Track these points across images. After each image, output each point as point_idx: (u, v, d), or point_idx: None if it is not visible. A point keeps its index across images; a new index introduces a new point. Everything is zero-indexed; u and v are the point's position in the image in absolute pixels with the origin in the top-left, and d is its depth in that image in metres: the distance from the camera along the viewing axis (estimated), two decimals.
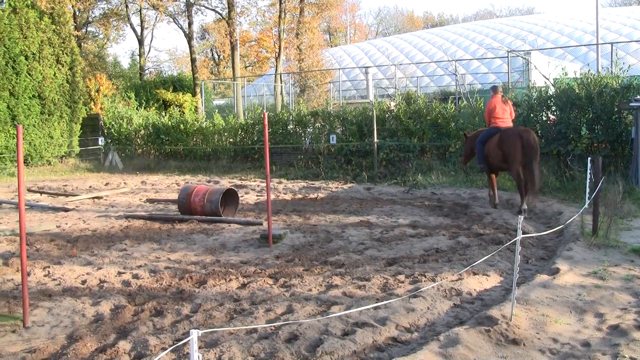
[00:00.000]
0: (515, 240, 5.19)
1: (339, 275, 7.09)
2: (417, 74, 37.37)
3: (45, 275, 7.59)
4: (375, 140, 18.48)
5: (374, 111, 18.78)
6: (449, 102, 20.01)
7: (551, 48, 32.98)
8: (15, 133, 22.75)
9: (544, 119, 15.82)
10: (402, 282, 6.76)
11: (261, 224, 10.89)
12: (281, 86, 37.27)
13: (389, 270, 7.30)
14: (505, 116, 12.06)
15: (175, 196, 14.66)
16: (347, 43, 65.86)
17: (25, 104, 23.69)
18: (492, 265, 7.34)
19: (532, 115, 15.76)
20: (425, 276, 6.90)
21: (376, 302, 5.89)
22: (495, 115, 12.00)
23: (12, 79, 23.08)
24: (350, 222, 11.06)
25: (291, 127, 21.96)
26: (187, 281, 7.12)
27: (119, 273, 7.63)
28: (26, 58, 23.80)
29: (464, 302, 6.08)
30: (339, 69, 38.78)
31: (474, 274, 6.93)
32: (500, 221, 10.68)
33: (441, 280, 6.67)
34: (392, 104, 20.49)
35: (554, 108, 15.66)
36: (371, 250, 8.59)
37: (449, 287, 6.43)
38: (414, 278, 6.88)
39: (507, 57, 23.18)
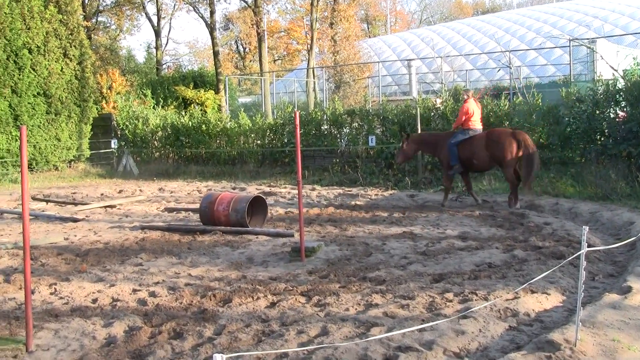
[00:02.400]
0: (580, 254, 5.11)
1: (380, 293, 7.06)
2: (465, 67, 37.18)
3: (51, 293, 7.64)
4: None
5: (418, 109, 18.70)
6: (502, 98, 19.84)
7: (620, 35, 32.49)
8: (18, 135, 23.12)
9: (612, 116, 15.61)
10: (451, 301, 6.71)
11: (292, 236, 10.91)
12: (314, 82, 37.35)
13: (436, 287, 7.25)
14: (478, 118, 14.10)
15: (196, 205, 14.77)
16: (387, 33, 65.82)
17: (29, 103, 23.86)
18: (553, 282, 7.24)
19: (597, 112, 15.57)
20: (476, 294, 6.83)
21: (421, 324, 5.84)
22: (471, 118, 13.91)
23: (14, 75, 23.26)
24: (391, 234, 11.02)
25: (325, 127, 21.99)
26: (210, 299, 7.15)
27: (134, 290, 7.68)
28: (30, 51, 23.98)
29: (521, 324, 6.01)
30: (378, 62, 38.73)
31: (532, 292, 6.84)
32: (562, 232, 10.54)
33: (495, 299, 6.60)
34: (438, 100, 20.41)
35: (623, 104, 15.44)
36: (415, 265, 8.54)
37: (504, 306, 6.36)
38: (464, 296, 6.82)
39: (569, 46, 22.94)
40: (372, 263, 8.77)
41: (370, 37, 60.23)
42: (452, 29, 48.82)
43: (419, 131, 18.33)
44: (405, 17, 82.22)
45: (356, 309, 6.60)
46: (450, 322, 5.86)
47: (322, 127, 21.93)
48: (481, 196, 15.20)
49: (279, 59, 70.60)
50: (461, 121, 13.96)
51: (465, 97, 14.30)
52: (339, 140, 21.62)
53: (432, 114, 19.47)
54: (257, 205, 12.28)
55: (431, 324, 5.69)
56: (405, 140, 14.67)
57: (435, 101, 20.56)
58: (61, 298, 7.41)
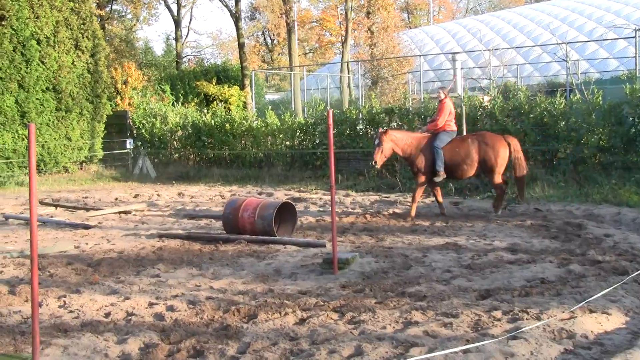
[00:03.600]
0: None
1: (420, 310, 7.05)
2: (516, 61, 36.93)
3: (60, 307, 7.71)
4: None
5: (463, 107, 18.63)
6: (558, 95, 19.69)
7: None
8: (26, 133, 23.39)
9: None
10: (499, 319, 6.68)
11: (324, 246, 10.93)
12: (348, 77, 37.41)
13: (482, 304, 7.21)
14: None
15: (219, 211, 14.85)
16: (429, 23, 65.66)
17: (37, 99, 24.08)
18: (615, 301, 7.17)
19: None
20: (527, 313, 6.79)
21: (466, 344, 5.82)
22: (451, 118, 14.25)
23: (21, 68, 23.49)
24: (433, 245, 10.99)
25: (361, 127, 21.99)
26: (234, 315, 7.19)
27: (151, 304, 7.73)
28: (38, 42, 24.21)
29: (578, 346, 5.96)
30: (420, 55, 38.59)
31: (591, 311, 6.78)
32: (625, 245, 10.43)
33: (548, 318, 6.55)
34: (486, 98, 20.29)
35: None
36: (459, 279, 8.51)
37: (559, 327, 6.31)
38: (514, 315, 6.78)
39: (635, 37, 22.67)
40: (411, 277, 8.75)
41: (410, 28, 60.19)
42: (502, 18, 48.56)
43: (464, 132, 18.25)
44: (450, 6, 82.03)
45: (394, 327, 6.59)
46: (498, 343, 5.83)
47: (357, 127, 21.92)
48: (533, 204, 15.11)
49: (310, 52, 70.81)
50: (444, 121, 14.09)
51: (443, 95, 14.40)
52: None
53: (479, 113, 19.38)
54: (286, 213, 12.31)
55: (477, 344, 5.66)
56: (384, 135, 14.17)
57: (483, 99, 20.44)
58: (71, 312, 7.49)
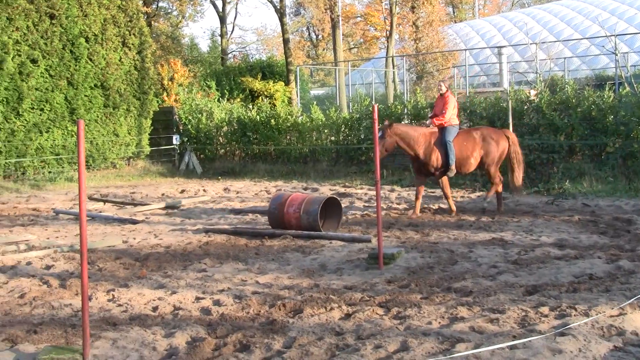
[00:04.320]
0: None
1: (466, 306, 7.02)
2: (564, 54, 36.47)
3: (109, 300, 7.81)
4: None
5: (509, 102, 18.46)
6: (606, 89, 19.41)
7: None
8: (75, 130, 23.71)
9: None
10: (546, 315, 6.62)
11: (369, 241, 10.93)
12: (393, 72, 37.27)
13: (529, 300, 7.16)
14: None
15: (264, 206, 14.92)
16: (475, 17, 65.10)
17: (85, 95, 24.33)
18: None
19: None
20: (575, 309, 6.72)
21: (512, 340, 5.79)
22: (456, 112, 14.14)
23: (70, 66, 23.76)
24: (479, 240, 10.93)
25: (406, 122, 21.91)
26: (279, 309, 7.22)
27: (197, 299, 7.81)
28: (87, 40, 24.45)
29: (628, 344, 5.87)
30: (465, 49, 38.39)
31: None
32: None
33: (597, 315, 6.47)
34: (532, 92, 20.12)
35: None
36: (506, 275, 8.45)
37: (608, 324, 6.23)
38: (561, 311, 6.72)
39: None
40: (457, 272, 8.72)
41: (456, 22, 59.75)
42: (549, 11, 47.94)
43: (511, 127, 18.10)
44: (496, 0, 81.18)
45: (440, 322, 6.57)
46: (545, 340, 5.78)
47: (402, 122, 21.85)
48: (580, 200, 14.94)
49: (354, 47, 70.70)
50: (450, 115, 13.92)
51: (445, 88, 14.33)
52: None
53: (526, 107, 19.20)
54: (331, 208, 12.32)
55: (524, 340, 5.62)
56: (389, 128, 13.76)
57: (529, 93, 20.25)
58: (119, 305, 7.59)
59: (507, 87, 24.95)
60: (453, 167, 13.68)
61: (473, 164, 13.96)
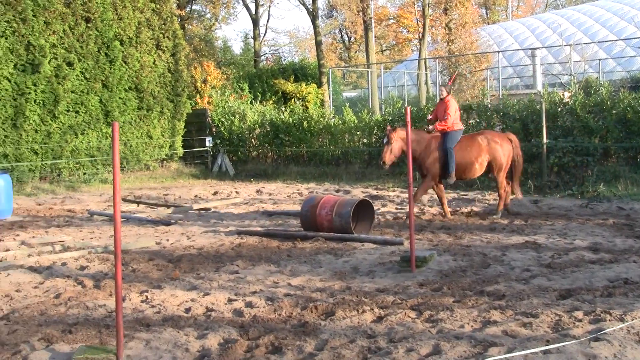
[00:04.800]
0: None
1: (499, 309, 6.97)
2: (598, 56, 36.15)
3: (142, 301, 7.86)
4: (545, 140, 18.03)
5: (543, 104, 18.35)
6: None
7: None
8: (109, 132, 23.93)
9: None
10: (580, 320, 6.55)
11: (402, 244, 10.91)
12: (426, 74, 37.19)
13: (563, 304, 7.09)
14: None
15: (297, 208, 14.94)
16: (508, 19, 64.74)
17: (120, 98, 24.55)
18: None
19: None
20: (610, 314, 6.65)
21: (546, 345, 5.74)
22: (458, 116, 13.91)
23: (105, 68, 23.99)
24: (512, 243, 10.85)
25: None
26: (311, 312, 7.23)
27: (230, 300, 7.83)
28: (121, 43, 24.68)
29: None
30: (498, 51, 38.17)
31: None
32: None
33: (632, 320, 6.40)
34: (567, 94, 19.94)
35: None
36: (539, 278, 8.39)
37: None
38: (596, 316, 6.65)
39: None
40: (490, 275, 8.67)
41: (489, 24, 59.44)
42: (584, 12, 47.51)
43: (544, 129, 17.98)
44: (529, 1, 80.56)
45: (472, 326, 6.54)
46: (579, 345, 5.72)
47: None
48: (615, 203, 14.79)
49: (387, 50, 70.58)
50: (452, 119, 13.66)
51: (445, 92, 14.04)
52: None
53: (560, 109, 19.05)
54: (363, 210, 12.31)
55: (557, 345, 5.57)
56: (394, 133, 13.64)
57: (563, 95, 20.08)
58: (153, 306, 7.63)
59: (541, 89, 24.75)
60: (452, 174, 13.54)
61: (478, 169, 13.77)
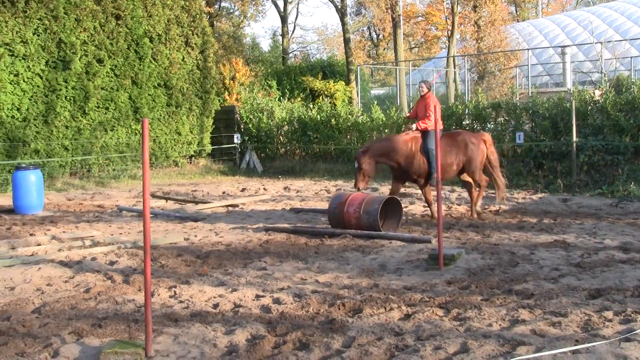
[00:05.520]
0: None
1: (527, 308, 6.94)
2: (630, 54, 35.74)
3: (171, 297, 7.92)
4: (575, 139, 17.90)
5: (573, 102, 18.20)
6: None
7: None
8: (139, 128, 24.12)
9: None
10: (610, 320, 6.50)
11: (429, 242, 10.89)
12: (454, 72, 37.03)
13: (592, 304, 7.04)
14: None
15: (324, 205, 14.96)
16: (538, 16, 64.28)
17: (149, 95, 24.69)
18: None
19: None
20: None
21: (575, 344, 5.70)
22: (439, 114, 13.49)
23: (134, 65, 24.15)
24: (540, 242, 10.79)
25: (467, 122, 21.76)
26: (339, 309, 7.24)
27: (257, 296, 7.86)
28: (151, 40, 24.82)
29: None
30: (528, 49, 37.88)
31: None
32: None
33: None
34: (597, 92, 19.77)
35: None
36: (568, 277, 8.33)
37: None
38: (626, 316, 6.59)
39: None
40: (518, 274, 8.63)
41: (518, 21, 59.02)
42: (615, 9, 47.01)
43: (574, 127, 17.84)
44: None
45: (500, 324, 6.51)
46: (609, 345, 5.68)
47: (463, 122, 21.71)
48: None
49: (415, 47, 70.36)
50: (436, 118, 13.10)
51: (426, 89, 13.56)
52: None
53: (590, 107, 18.89)
54: (391, 208, 12.30)
55: (587, 345, 5.54)
56: (364, 155, 13.10)
57: (594, 93, 19.90)
58: (181, 302, 7.68)
59: (571, 87, 24.59)
60: (435, 175, 12.54)
61: (455, 171, 13.44)
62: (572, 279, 8.27)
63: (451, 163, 13.20)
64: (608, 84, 19.69)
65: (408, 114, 13.96)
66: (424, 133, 13.19)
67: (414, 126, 13.40)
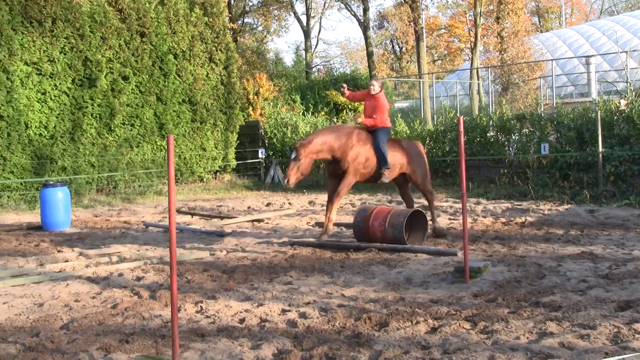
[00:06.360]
0: None
1: (555, 321, 6.88)
2: None
3: (197, 312, 7.93)
4: (601, 149, 17.78)
5: (599, 112, 18.09)
6: None
7: None
8: (164, 144, 24.28)
9: None
10: None
11: (455, 254, 10.84)
12: (478, 83, 36.95)
13: (621, 316, 6.97)
14: None
15: (349, 219, 14.95)
16: (561, 26, 64.02)
17: (174, 111, 24.88)
18: None
19: None
20: None
21: (605, 357, 5.65)
22: (388, 114, 12.87)
23: (159, 82, 24.37)
24: (567, 254, 10.70)
25: (491, 134, 21.70)
26: (365, 323, 7.22)
27: (283, 311, 7.85)
28: (175, 57, 25.07)
29: None
30: (552, 59, 37.71)
31: None
32: None
33: None
34: (623, 102, 19.62)
35: None
36: (596, 289, 8.25)
37: None
38: None
39: None
40: (545, 286, 8.56)
41: (542, 32, 58.82)
42: None
43: (600, 138, 17.72)
44: (583, 8, 79.56)
45: (528, 337, 6.46)
46: (639, 358, 5.62)
47: (487, 134, 21.65)
48: None
49: (438, 59, 70.34)
50: (385, 116, 12.66)
51: (378, 88, 12.86)
52: (507, 148, 21.25)
53: (616, 117, 18.76)
54: (416, 221, 12.26)
55: (617, 358, 5.49)
56: (302, 149, 11.91)
57: (619, 103, 19.77)
58: (207, 317, 7.69)
59: (596, 97, 24.42)
60: (386, 172, 12.48)
61: (397, 172, 12.83)
62: (600, 290, 8.19)
63: (394, 164, 12.62)
64: (634, 93, 19.54)
65: (346, 94, 13.28)
66: (373, 130, 12.62)
67: (359, 120, 12.86)
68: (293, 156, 11.99)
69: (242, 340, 6.66)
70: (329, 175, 12.84)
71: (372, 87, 12.86)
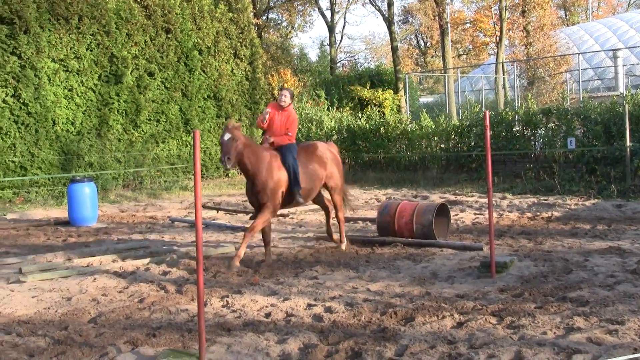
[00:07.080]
0: None
1: (582, 316, 6.84)
2: None
3: (223, 306, 7.97)
4: (628, 143, 17.61)
5: (626, 106, 17.92)
6: None
7: None
8: (189, 140, 24.39)
9: None
10: None
11: (481, 249, 10.79)
12: (503, 78, 36.74)
13: None
14: None
15: (374, 214, 14.92)
16: (588, 20, 63.46)
17: (199, 106, 25.10)
18: None
19: None
20: None
21: (633, 353, 5.60)
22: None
23: (184, 78, 24.57)
24: (595, 249, 10.63)
25: (517, 128, 21.57)
26: (391, 317, 7.21)
27: (309, 305, 7.87)
28: (200, 52, 25.25)
29: None
30: (578, 53, 37.41)
31: None
32: None
33: None
34: None
35: None
36: (624, 284, 8.18)
37: None
38: None
39: None
40: (572, 281, 8.50)
41: (568, 26, 58.35)
42: None
43: (627, 132, 17.57)
44: (610, 1, 78.85)
45: (555, 332, 6.42)
46: None
47: (513, 129, 21.52)
48: None
49: (464, 54, 70.02)
50: (295, 128, 11.13)
51: (289, 100, 10.99)
52: (533, 143, 21.10)
53: None
54: (441, 215, 12.22)
55: None
56: (236, 131, 10.10)
57: None
58: (233, 311, 7.72)
59: (624, 91, 24.20)
60: (301, 192, 10.67)
61: (318, 188, 11.30)
62: (628, 285, 8.12)
63: (314, 180, 11.01)
64: None
65: (264, 123, 10.94)
66: (280, 147, 10.77)
67: (270, 139, 10.83)
68: (227, 137, 10.05)
69: (268, 335, 6.68)
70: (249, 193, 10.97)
71: (282, 98, 10.94)
